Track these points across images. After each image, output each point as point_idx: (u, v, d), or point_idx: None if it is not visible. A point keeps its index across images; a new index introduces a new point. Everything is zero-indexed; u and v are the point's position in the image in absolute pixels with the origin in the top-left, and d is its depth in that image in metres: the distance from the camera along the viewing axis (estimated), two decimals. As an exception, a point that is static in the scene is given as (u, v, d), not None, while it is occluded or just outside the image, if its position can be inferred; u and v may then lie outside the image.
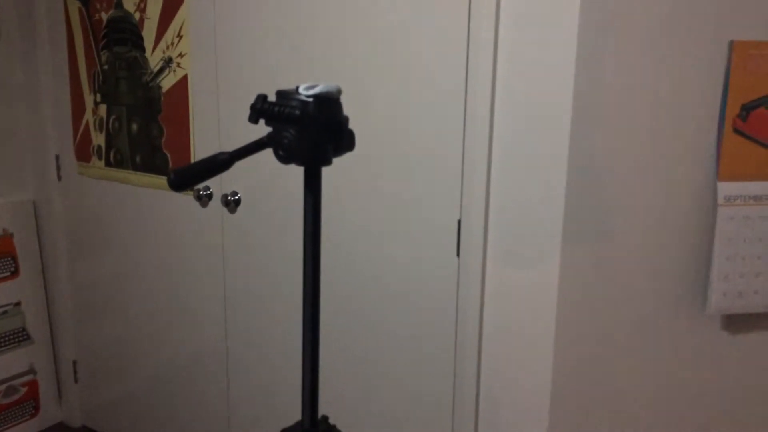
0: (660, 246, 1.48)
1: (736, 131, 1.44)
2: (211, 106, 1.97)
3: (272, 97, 0.70)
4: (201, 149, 2.04)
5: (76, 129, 2.40)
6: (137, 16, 2.10)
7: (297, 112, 0.68)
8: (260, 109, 0.69)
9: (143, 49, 2.11)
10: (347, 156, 1.70)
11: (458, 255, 1.58)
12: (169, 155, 2.13)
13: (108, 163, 2.31)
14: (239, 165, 1.94)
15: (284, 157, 0.70)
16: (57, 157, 2.49)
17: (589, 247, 1.45)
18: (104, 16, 2.20)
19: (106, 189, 2.34)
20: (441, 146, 1.57)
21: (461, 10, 1.49)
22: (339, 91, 0.71)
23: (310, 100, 0.69)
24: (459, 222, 1.57)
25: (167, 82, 2.07)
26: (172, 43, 2.03)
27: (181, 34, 2.00)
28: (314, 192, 0.72)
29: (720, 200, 1.45)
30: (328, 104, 0.70)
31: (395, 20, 1.59)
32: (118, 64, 2.20)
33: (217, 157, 0.71)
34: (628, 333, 1.51)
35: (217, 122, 1.97)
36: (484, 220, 1.53)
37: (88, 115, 2.34)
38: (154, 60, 2.09)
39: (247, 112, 1.90)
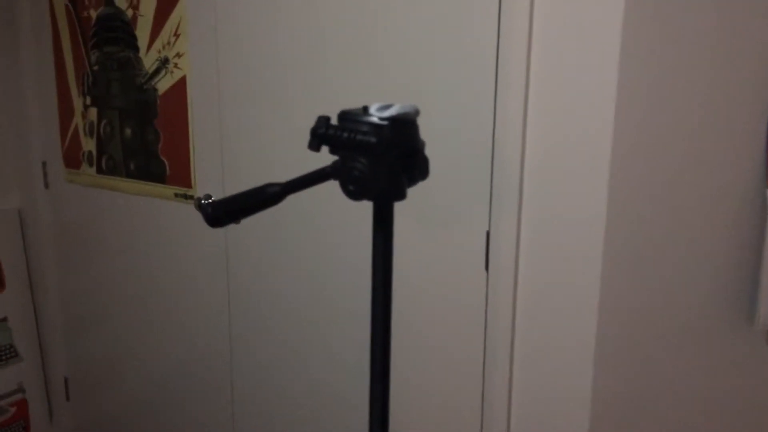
0: (706, 257, 1.38)
1: (788, 134, 1.34)
2: (213, 111, 1.85)
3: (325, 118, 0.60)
4: (202, 157, 1.91)
5: (64, 134, 2.26)
6: (130, 13, 1.97)
7: (372, 139, 0.57)
8: (324, 135, 0.57)
9: (137, 49, 1.97)
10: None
11: (487, 269, 1.47)
12: (166, 162, 1.99)
13: (99, 170, 2.17)
14: (246, 169, 1.82)
15: (355, 192, 0.58)
16: (44, 164, 2.35)
17: (631, 261, 1.35)
18: (93, 14, 2.06)
19: (97, 197, 2.20)
20: (467, 150, 1.46)
21: (491, 1, 1.37)
22: (417, 112, 0.59)
23: (385, 123, 0.58)
24: (488, 234, 1.46)
25: (163, 84, 1.94)
26: (169, 43, 1.90)
27: (179, 32, 1.87)
28: (386, 231, 0.60)
29: (770, 208, 1.36)
30: (406, 128, 0.58)
31: (418, 17, 1.47)
32: (109, 65, 2.06)
33: (266, 190, 0.59)
34: (672, 349, 1.41)
35: (219, 128, 1.84)
36: (516, 232, 1.42)
37: (78, 120, 2.20)
38: (148, 60, 1.96)
39: (253, 115, 1.78)
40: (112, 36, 2.03)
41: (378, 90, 1.55)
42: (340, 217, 1.68)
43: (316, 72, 1.64)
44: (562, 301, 1.41)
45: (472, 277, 1.49)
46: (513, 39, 1.35)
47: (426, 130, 1.50)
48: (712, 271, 1.39)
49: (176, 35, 1.88)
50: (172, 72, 1.91)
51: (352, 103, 1.59)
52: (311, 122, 1.66)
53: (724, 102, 1.32)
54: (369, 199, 0.59)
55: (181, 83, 1.90)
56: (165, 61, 1.92)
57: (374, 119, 0.58)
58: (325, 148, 0.57)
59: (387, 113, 0.58)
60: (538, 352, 1.44)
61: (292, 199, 1.74)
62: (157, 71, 1.95)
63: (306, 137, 1.68)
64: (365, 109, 0.59)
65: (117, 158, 2.11)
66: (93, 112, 2.14)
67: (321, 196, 1.68)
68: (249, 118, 1.78)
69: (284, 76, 1.69)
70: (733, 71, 1.31)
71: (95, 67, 2.10)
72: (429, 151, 1.49)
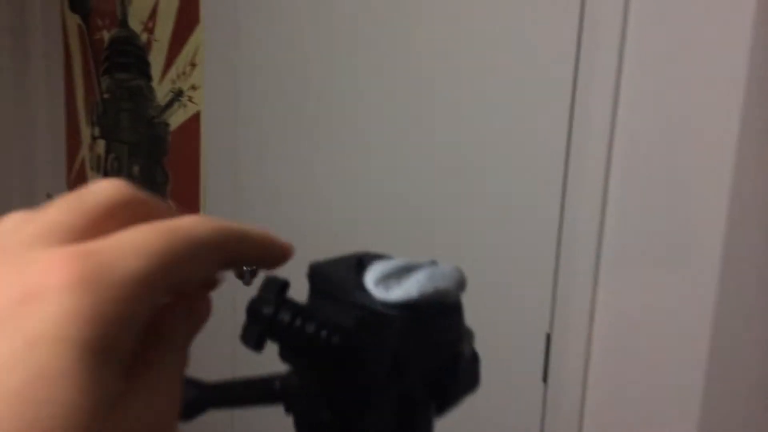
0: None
1: None
2: (227, 152, 1.58)
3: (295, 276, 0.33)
4: (212, 203, 1.64)
5: (70, 166, 2.03)
6: (144, 37, 1.73)
7: (367, 353, 0.28)
8: (271, 323, 0.28)
9: (149, 78, 1.73)
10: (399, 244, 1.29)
11: (545, 380, 1.15)
12: (173, 206, 1.73)
13: (103, 210, 1.92)
14: (262, 221, 1.54)
15: None
16: (48, 196, 2.12)
17: (745, 376, 1.02)
18: (106, 36, 1.83)
19: (99, 240, 1.96)
20: (524, 219, 1.15)
21: None
22: (461, 285, 0.29)
23: (395, 313, 0.29)
24: (548, 337, 1.15)
25: (176, 118, 1.69)
26: (184, 73, 1.65)
27: (195, 62, 1.62)
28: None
29: None
30: (438, 322, 0.28)
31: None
32: (120, 94, 1.82)
33: (269, 384, 0.30)
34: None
35: (234, 172, 1.58)
36: (587, 334, 1.11)
37: (84, 152, 1.96)
38: (161, 91, 1.71)
39: (272, 162, 1.50)
40: (125, 62, 1.79)
41: (418, 148, 1.26)
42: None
43: (348, 114, 1.36)
44: (647, 428, 1.08)
45: (524, 391, 1.17)
46: (586, 149, 1.05)
47: (477, 193, 1.20)
48: None
49: (192, 65, 1.63)
50: (185, 106, 1.66)
51: (385, 159, 1.30)
52: (340, 173, 1.38)
53: None
54: None
55: (195, 119, 1.65)
56: (179, 94, 1.67)
57: (373, 300, 0.29)
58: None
59: (400, 291, 0.29)
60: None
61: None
62: (170, 104, 1.70)
63: (332, 190, 1.40)
64: (357, 271, 0.29)
65: (122, 198, 1.86)
66: (101, 145, 1.90)
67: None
68: (267, 164, 1.51)
69: (309, 120, 1.42)
70: None
71: (106, 95, 1.86)
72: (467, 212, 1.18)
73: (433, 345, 0.30)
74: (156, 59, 1.71)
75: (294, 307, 0.31)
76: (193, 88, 1.64)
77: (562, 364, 1.13)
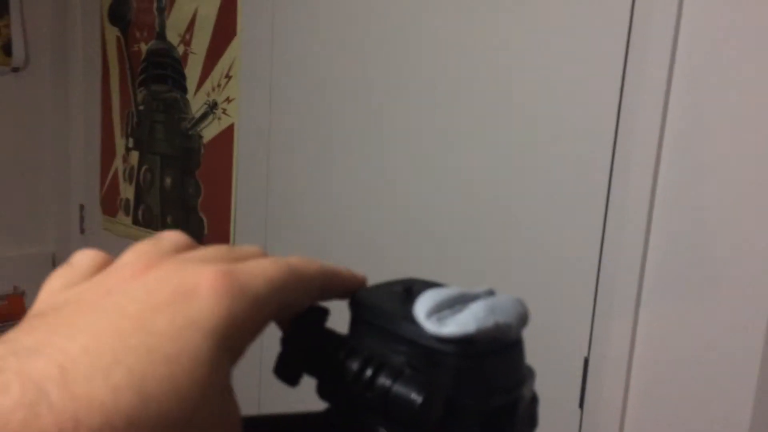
0: None
1: None
2: (260, 166, 1.57)
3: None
4: (243, 217, 1.63)
5: (104, 177, 2.04)
6: (181, 49, 1.74)
7: (416, 399, 0.24)
8: (308, 357, 0.25)
9: (185, 90, 1.73)
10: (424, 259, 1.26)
11: (581, 406, 1.11)
12: (204, 219, 1.73)
13: (135, 221, 1.93)
14: (292, 238, 1.53)
15: None
16: (81, 207, 2.13)
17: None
18: (144, 48, 1.84)
19: (131, 251, 1.96)
20: (565, 231, 1.12)
21: None
22: (523, 320, 0.26)
23: (449, 350, 0.26)
24: (586, 361, 1.10)
25: (210, 131, 1.69)
26: (219, 85, 1.65)
27: (230, 74, 1.62)
28: None
29: None
30: (499, 360, 0.26)
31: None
32: (155, 105, 1.83)
33: (308, 420, 0.27)
34: None
35: (266, 185, 1.56)
36: (628, 356, 1.06)
37: (118, 163, 1.97)
38: (196, 103, 1.71)
39: (305, 176, 1.49)
40: (161, 74, 1.80)
41: (455, 168, 1.23)
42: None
43: (384, 130, 1.34)
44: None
45: (560, 416, 1.13)
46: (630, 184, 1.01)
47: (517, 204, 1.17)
48: None
49: (227, 77, 1.63)
50: (219, 118, 1.66)
51: (422, 177, 1.27)
52: (375, 190, 1.36)
53: None
54: None
55: (229, 132, 1.64)
56: (213, 106, 1.67)
57: (424, 335, 0.26)
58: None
59: (456, 325, 0.26)
60: None
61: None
62: (204, 116, 1.70)
63: (365, 206, 1.38)
64: (405, 301, 0.27)
65: (155, 209, 1.87)
66: (134, 156, 1.91)
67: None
68: (300, 178, 1.50)
69: (343, 135, 1.40)
70: None
71: (141, 107, 1.87)
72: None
73: (491, 387, 0.27)
74: (192, 71, 1.71)
75: (336, 339, 0.28)
76: (228, 100, 1.63)
77: (600, 390, 1.09)
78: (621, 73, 1.03)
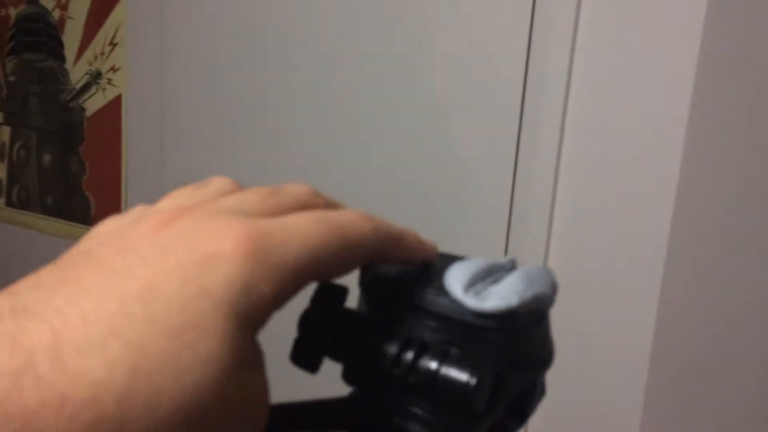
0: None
1: None
2: (153, 139, 1.48)
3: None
4: (135, 195, 1.53)
5: (-31, 155, 1.84)
6: (56, 14, 1.59)
7: (470, 381, 0.22)
8: (331, 337, 0.23)
9: (63, 59, 1.59)
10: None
11: None
12: (91, 198, 1.61)
13: (9, 203, 1.76)
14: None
15: None
16: (-57, 189, 1.93)
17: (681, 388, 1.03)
18: (13, 12, 1.67)
19: (5, 235, 1.80)
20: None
21: None
22: (555, 286, 0.25)
23: (493, 325, 0.24)
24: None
25: (93, 103, 1.56)
26: (102, 53, 1.53)
27: (116, 41, 1.50)
28: None
29: None
30: (535, 330, 0.25)
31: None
32: (28, 76, 1.67)
33: (334, 407, 0.24)
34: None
35: (161, 161, 1.47)
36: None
37: (-14, 139, 1.79)
38: (77, 73, 1.58)
39: (203, 149, 1.41)
40: (34, 41, 1.64)
41: (354, 144, 1.21)
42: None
43: (286, 102, 1.29)
44: None
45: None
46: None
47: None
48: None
49: (112, 44, 1.51)
50: (104, 89, 1.54)
51: (345, 152, 1.24)
52: (284, 162, 1.31)
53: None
54: None
55: (116, 103, 1.53)
56: (96, 76, 1.55)
57: (465, 311, 0.24)
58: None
59: (497, 299, 0.24)
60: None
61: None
62: (86, 87, 1.57)
63: (274, 178, 1.32)
64: (426, 276, 0.26)
65: (32, 190, 1.71)
66: (5, 132, 1.74)
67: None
68: (199, 153, 1.42)
69: (246, 104, 1.34)
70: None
71: (11, 78, 1.70)
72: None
73: (532, 359, 0.26)
74: (70, 38, 1.57)
75: (362, 319, 0.26)
76: (113, 69, 1.52)
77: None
78: (523, 72, 1.04)
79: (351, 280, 0.28)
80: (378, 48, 1.18)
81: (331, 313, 0.25)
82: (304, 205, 0.24)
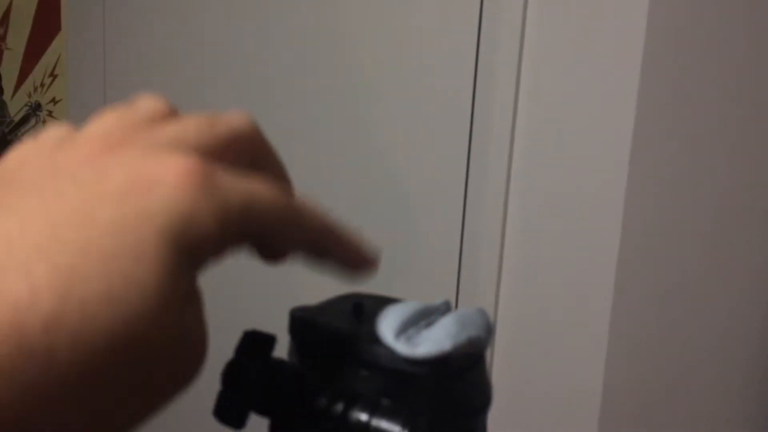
0: (724, 380, 1.10)
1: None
2: (96, 173, 1.44)
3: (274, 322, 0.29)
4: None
5: None
6: (-6, 45, 1.55)
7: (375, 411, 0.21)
8: (257, 391, 0.21)
9: (0, 90, 1.55)
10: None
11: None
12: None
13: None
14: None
15: None
16: None
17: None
18: (-54, 43, 1.62)
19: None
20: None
21: None
22: (491, 329, 0.24)
23: (426, 371, 0.23)
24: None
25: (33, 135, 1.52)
26: (42, 85, 1.49)
27: (56, 72, 1.47)
28: None
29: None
30: (470, 374, 0.24)
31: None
32: (-36, 108, 1.62)
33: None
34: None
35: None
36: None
37: None
38: (15, 105, 1.53)
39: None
40: (-30, 72, 1.59)
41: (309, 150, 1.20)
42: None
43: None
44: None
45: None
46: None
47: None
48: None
49: (52, 76, 1.47)
50: (44, 121, 1.50)
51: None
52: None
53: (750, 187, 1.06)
54: None
55: (57, 136, 1.49)
56: (36, 108, 1.51)
57: (398, 359, 0.23)
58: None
59: (430, 344, 0.23)
60: None
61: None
62: (25, 119, 1.53)
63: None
64: (359, 320, 0.25)
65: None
66: (-60, 166, 1.67)
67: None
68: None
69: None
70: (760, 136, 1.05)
71: (-55, 110, 1.65)
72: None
73: (467, 405, 0.25)
74: (8, 70, 1.53)
75: (290, 370, 0.25)
76: (54, 101, 1.48)
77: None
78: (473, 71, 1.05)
79: (279, 328, 0.27)
80: (313, 84, 1.18)
81: (257, 363, 0.24)
82: (243, 140, 0.22)
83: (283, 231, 0.21)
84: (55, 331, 0.16)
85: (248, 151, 0.23)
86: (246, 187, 0.20)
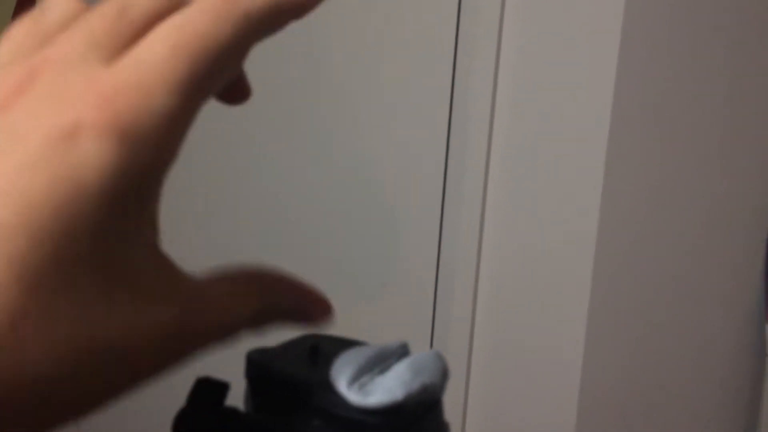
0: (700, 401, 1.11)
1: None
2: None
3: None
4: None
5: None
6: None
7: None
8: None
9: None
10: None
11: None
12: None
13: None
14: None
15: None
16: None
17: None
18: None
19: None
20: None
21: None
22: (446, 373, 0.24)
23: (377, 421, 0.22)
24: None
25: None
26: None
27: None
28: None
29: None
30: (424, 421, 0.24)
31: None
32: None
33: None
34: None
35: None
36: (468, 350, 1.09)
37: None
38: None
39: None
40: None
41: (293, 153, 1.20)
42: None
43: (215, 145, 1.27)
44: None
45: None
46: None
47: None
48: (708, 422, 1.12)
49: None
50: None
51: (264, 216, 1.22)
52: (212, 195, 1.28)
53: (722, 211, 1.07)
54: None
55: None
56: None
57: (349, 408, 0.23)
58: None
59: (382, 393, 0.23)
60: None
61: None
62: None
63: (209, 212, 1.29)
64: (313, 363, 0.25)
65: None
66: None
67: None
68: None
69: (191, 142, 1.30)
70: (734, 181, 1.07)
71: None
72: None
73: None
74: None
75: (241, 418, 0.24)
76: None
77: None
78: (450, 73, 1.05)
79: (234, 374, 0.26)
80: (287, 93, 1.17)
81: (209, 412, 0.24)
82: (157, 16, 0.20)
83: (223, 64, 0.21)
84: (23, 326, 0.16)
85: (166, 15, 0.20)
86: (161, 72, 0.19)
